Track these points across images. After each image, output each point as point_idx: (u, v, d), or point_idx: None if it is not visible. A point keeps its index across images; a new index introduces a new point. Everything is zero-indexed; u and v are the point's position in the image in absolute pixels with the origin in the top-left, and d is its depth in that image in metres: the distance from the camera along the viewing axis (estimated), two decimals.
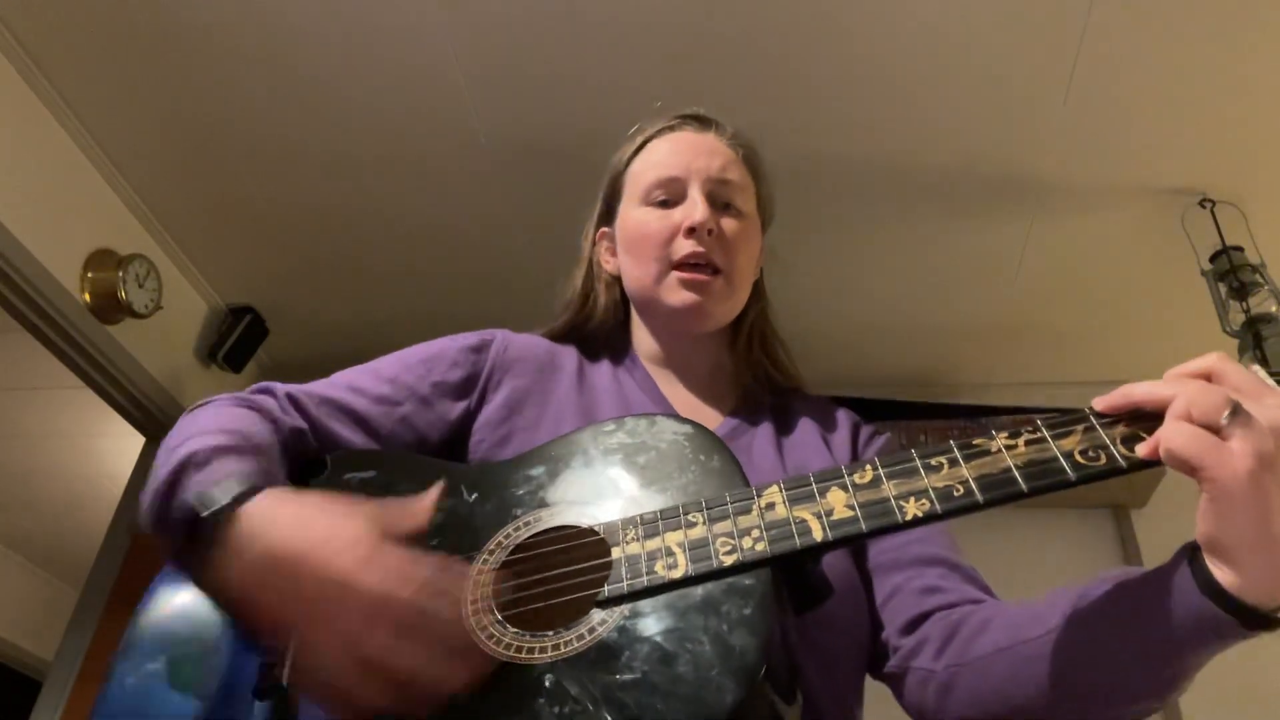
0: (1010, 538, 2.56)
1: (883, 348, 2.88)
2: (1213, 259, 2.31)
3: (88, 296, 2.37)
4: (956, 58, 2.06)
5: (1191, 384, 0.55)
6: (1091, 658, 0.62)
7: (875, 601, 0.82)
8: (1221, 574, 0.54)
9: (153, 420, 2.69)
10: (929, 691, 0.74)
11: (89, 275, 2.38)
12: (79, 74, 2.22)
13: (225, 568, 0.61)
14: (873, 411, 1.01)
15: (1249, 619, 0.54)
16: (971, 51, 2.04)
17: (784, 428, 0.94)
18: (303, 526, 0.61)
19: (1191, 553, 0.57)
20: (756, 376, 0.99)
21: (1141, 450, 0.57)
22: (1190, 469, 0.53)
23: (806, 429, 0.94)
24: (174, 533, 0.66)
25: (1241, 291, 2.22)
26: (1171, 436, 0.54)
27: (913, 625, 0.77)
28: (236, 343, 2.82)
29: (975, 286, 2.65)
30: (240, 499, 0.63)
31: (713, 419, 0.94)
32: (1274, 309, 2.18)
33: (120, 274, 2.39)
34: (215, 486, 0.64)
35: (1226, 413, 0.52)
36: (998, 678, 0.69)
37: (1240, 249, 2.29)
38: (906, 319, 2.78)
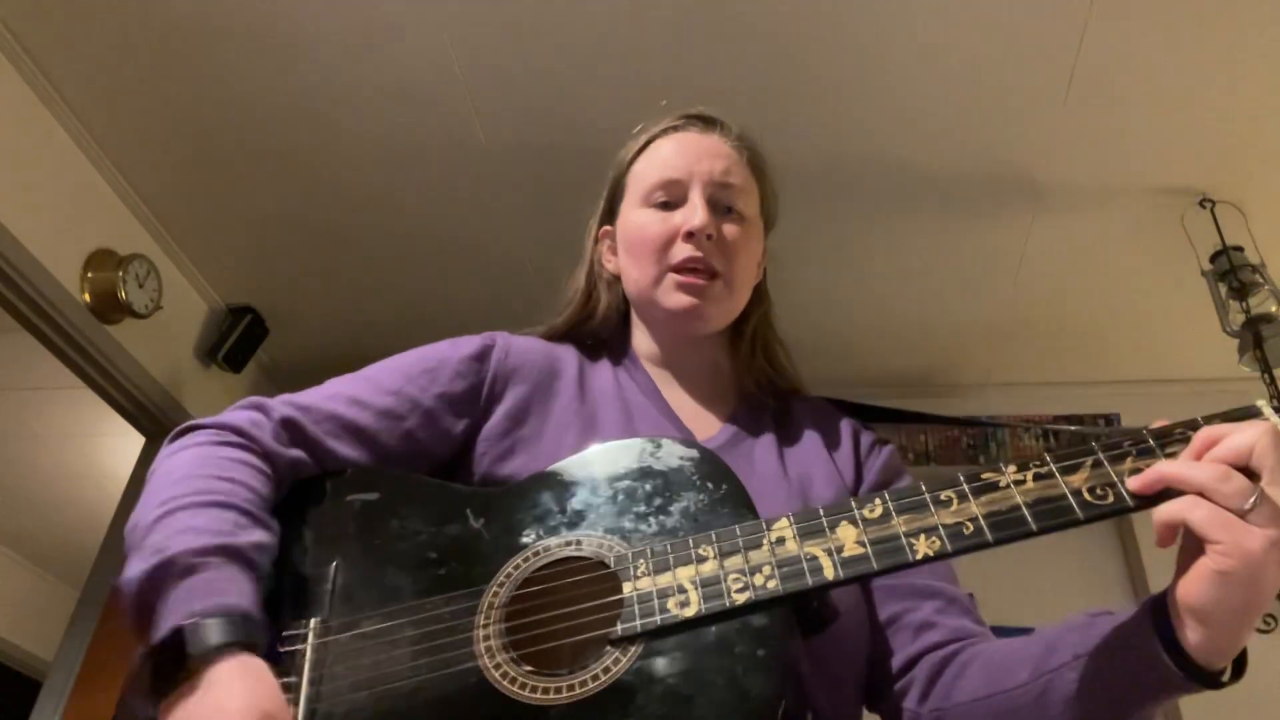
0: (1015, 542, 2.55)
1: (883, 347, 2.89)
2: (1213, 259, 2.31)
3: (88, 296, 2.37)
4: (957, 58, 2.05)
5: (1217, 470, 0.56)
6: (1062, 710, 0.65)
7: (876, 619, 0.83)
8: (1189, 634, 0.57)
9: (153, 420, 2.69)
10: None
11: (89, 275, 2.38)
12: (79, 74, 2.21)
13: (167, 693, 0.61)
14: (870, 416, 1.00)
15: (1201, 678, 0.57)
16: (972, 52, 2.04)
17: (785, 435, 0.94)
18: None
19: (1155, 612, 0.60)
20: (757, 379, 0.98)
21: (1134, 484, 0.59)
22: (1207, 541, 0.55)
23: (808, 436, 0.93)
24: (141, 631, 0.65)
25: (1241, 291, 2.22)
26: (1191, 510, 0.55)
27: (905, 668, 0.79)
28: (236, 343, 2.82)
29: (975, 286, 2.65)
30: (211, 652, 0.61)
31: (713, 424, 0.94)
32: (1274, 309, 2.19)
33: (120, 274, 2.39)
34: (199, 626, 0.62)
35: (1250, 500, 0.54)
36: None
37: (1240, 249, 2.29)
38: (907, 319, 2.78)
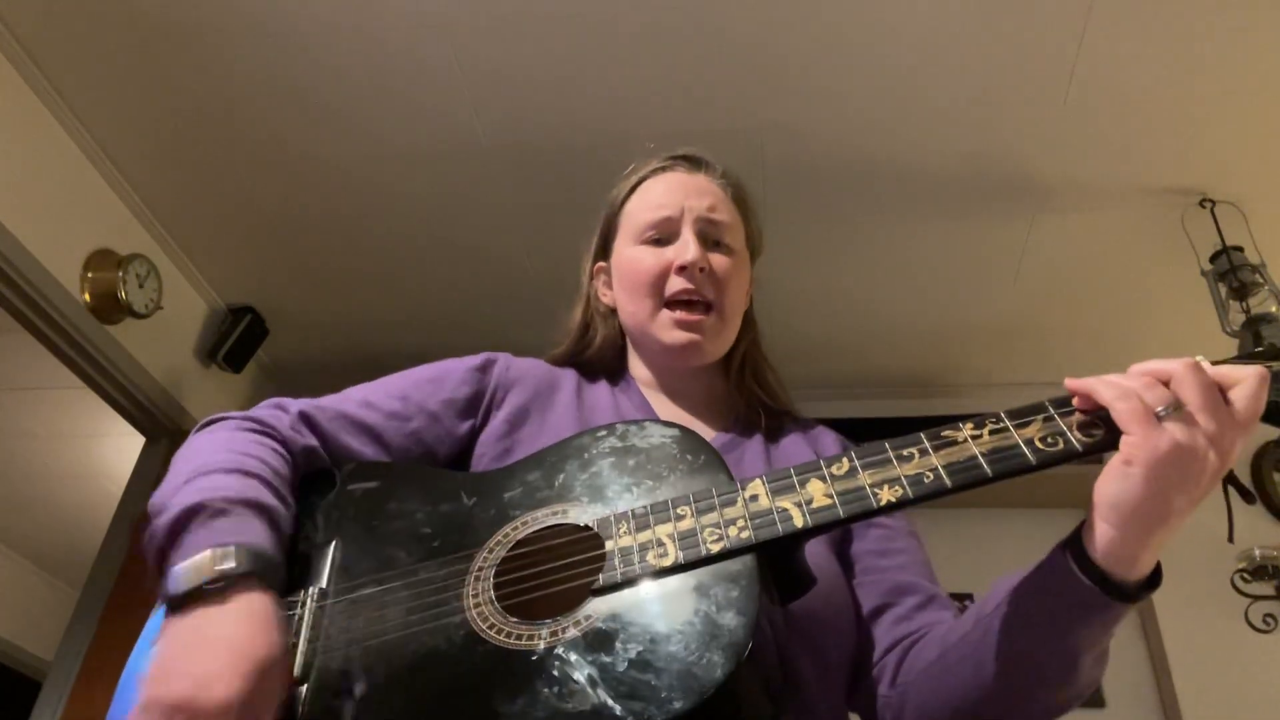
0: (1008, 538, 2.56)
1: (882, 348, 2.88)
2: (1213, 259, 2.31)
3: (88, 296, 2.37)
4: (957, 58, 2.06)
5: (1144, 379, 0.62)
6: (997, 647, 0.69)
7: (860, 611, 0.86)
8: (1096, 539, 0.62)
9: (153, 420, 2.69)
10: (888, 714, 0.81)
11: (89, 275, 2.38)
12: (79, 74, 2.22)
13: (180, 611, 0.64)
14: (864, 434, 1.03)
15: (1108, 587, 0.62)
16: (972, 52, 2.04)
17: (775, 445, 0.98)
18: (224, 651, 0.62)
19: (1072, 535, 0.65)
20: (749, 402, 1.03)
21: (1070, 385, 0.64)
22: (1122, 430, 0.60)
23: (798, 447, 0.98)
24: (162, 566, 0.69)
25: (1241, 291, 2.22)
26: (1114, 397, 0.61)
27: (879, 659, 0.83)
28: (236, 343, 2.83)
29: (975, 286, 2.65)
30: (230, 583, 0.65)
31: (706, 434, 0.96)
32: (1274, 309, 2.19)
33: (120, 274, 2.40)
34: (217, 558, 0.66)
35: (1164, 407, 0.60)
36: (933, 687, 0.75)
37: (1240, 249, 2.29)
38: (906, 320, 2.78)
